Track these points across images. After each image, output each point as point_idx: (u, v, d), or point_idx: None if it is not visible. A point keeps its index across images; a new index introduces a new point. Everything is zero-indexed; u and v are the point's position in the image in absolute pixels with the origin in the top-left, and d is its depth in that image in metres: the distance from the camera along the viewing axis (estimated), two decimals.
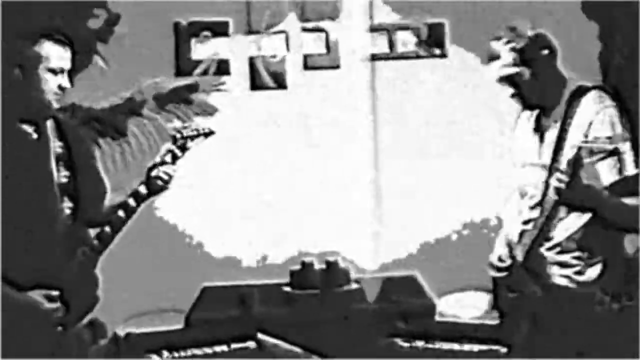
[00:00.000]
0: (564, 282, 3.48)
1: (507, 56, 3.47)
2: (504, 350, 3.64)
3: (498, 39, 3.50)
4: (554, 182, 3.37)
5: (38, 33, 3.15)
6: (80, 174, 3.27)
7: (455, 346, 3.73)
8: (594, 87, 3.51)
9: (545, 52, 3.49)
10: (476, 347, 3.68)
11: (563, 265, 3.48)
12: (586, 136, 3.44)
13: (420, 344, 3.75)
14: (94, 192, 3.29)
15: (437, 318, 3.86)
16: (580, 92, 3.51)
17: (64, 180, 3.23)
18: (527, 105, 3.51)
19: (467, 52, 4.13)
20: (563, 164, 3.37)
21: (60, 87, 3.19)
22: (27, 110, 3.18)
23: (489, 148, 4.06)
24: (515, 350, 3.60)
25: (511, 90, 3.52)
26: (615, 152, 3.38)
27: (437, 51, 4.18)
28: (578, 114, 3.46)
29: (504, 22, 3.65)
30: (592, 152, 3.37)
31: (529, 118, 3.60)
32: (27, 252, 3.10)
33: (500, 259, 3.59)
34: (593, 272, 3.49)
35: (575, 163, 3.34)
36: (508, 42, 3.49)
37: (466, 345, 3.71)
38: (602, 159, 3.39)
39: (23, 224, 3.12)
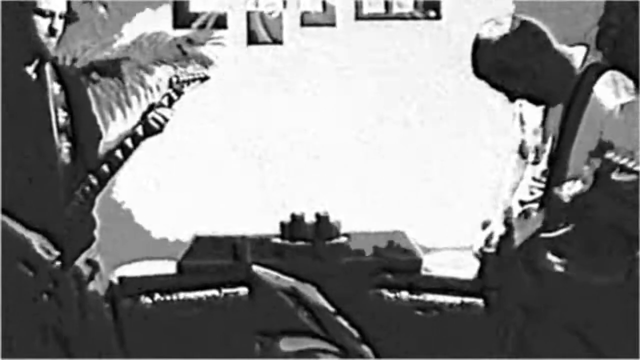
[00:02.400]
0: (558, 268, 3.54)
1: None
2: (482, 303, 3.83)
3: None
4: (572, 189, 3.29)
5: None
6: (77, 117, 3.43)
7: (439, 298, 3.94)
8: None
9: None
10: (458, 300, 3.89)
11: (556, 252, 3.52)
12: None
13: (405, 295, 3.96)
14: (91, 135, 3.46)
15: (423, 272, 4.07)
16: (592, 69, 3.47)
17: (62, 121, 3.39)
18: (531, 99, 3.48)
19: (462, 16, 4.32)
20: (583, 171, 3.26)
21: (51, 30, 3.28)
22: (25, 52, 3.32)
23: (484, 114, 4.25)
24: (492, 306, 3.77)
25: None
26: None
27: (432, 13, 4.37)
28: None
29: None
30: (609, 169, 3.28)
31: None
32: (26, 190, 3.28)
33: (487, 242, 3.57)
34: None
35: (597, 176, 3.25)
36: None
37: (449, 297, 3.92)
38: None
39: (23, 162, 3.29)
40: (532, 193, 3.53)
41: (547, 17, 3.50)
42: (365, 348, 3.82)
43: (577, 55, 3.43)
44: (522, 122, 3.59)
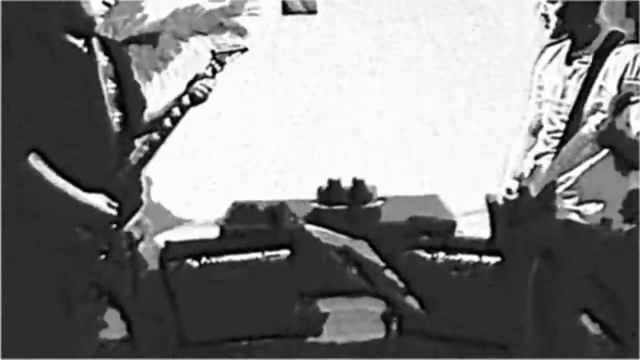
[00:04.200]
0: (573, 216, 3.86)
1: None
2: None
3: None
4: (595, 121, 3.69)
5: None
6: (125, 88, 3.68)
7: (474, 258, 4.18)
8: (628, 37, 3.84)
9: None
10: (493, 259, 4.13)
11: (570, 199, 3.86)
12: (621, 79, 3.79)
13: (441, 255, 4.20)
14: (137, 104, 3.70)
15: (457, 234, 4.30)
16: (615, 38, 3.85)
17: (112, 92, 3.64)
18: (556, 34, 3.83)
19: None
20: (605, 105, 3.69)
21: (105, 3, 3.55)
22: (75, 24, 3.56)
23: (510, 81, 4.45)
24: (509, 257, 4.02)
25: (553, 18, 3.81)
26: None
27: None
28: (611, 58, 3.79)
29: None
30: (627, 96, 3.70)
31: (559, 54, 3.91)
32: (82, 158, 3.53)
33: (508, 191, 3.92)
34: (593, 208, 3.89)
35: (618, 104, 3.67)
36: None
37: (484, 257, 4.16)
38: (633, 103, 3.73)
39: (76, 131, 3.54)
40: (547, 144, 3.85)
41: None
42: (412, 300, 4.07)
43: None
44: (540, 88, 3.92)
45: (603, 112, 3.71)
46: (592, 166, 3.84)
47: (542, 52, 3.97)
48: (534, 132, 4.00)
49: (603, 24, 3.86)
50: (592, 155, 3.82)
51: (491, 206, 3.98)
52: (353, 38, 4.61)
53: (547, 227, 3.87)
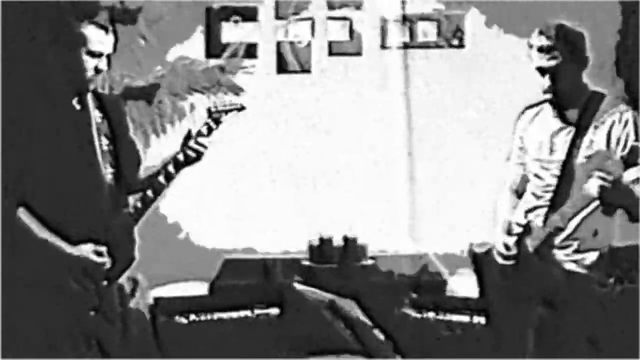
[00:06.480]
0: (572, 267, 3.97)
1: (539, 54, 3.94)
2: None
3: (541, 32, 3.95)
4: (597, 181, 3.81)
5: (84, 16, 3.63)
6: (119, 143, 3.80)
7: (465, 318, 4.28)
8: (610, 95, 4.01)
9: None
10: (483, 319, 4.23)
11: (566, 249, 3.98)
12: (609, 134, 3.94)
13: (431, 315, 4.30)
14: (131, 159, 3.82)
15: (448, 294, 4.41)
16: (597, 97, 4.01)
17: (105, 148, 3.76)
18: (553, 100, 3.97)
19: (487, 45, 4.66)
20: (611, 165, 3.81)
21: (96, 70, 3.68)
22: (69, 85, 3.70)
23: (494, 143, 4.58)
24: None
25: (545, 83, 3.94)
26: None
27: (456, 42, 4.73)
28: (596, 116, 3.95)
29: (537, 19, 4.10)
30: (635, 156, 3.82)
31: (539, 115, 4.06)
32: (75, 212, 3.64)
33: (506, 247, 4.03)
34: (591, 257, 4.01)
35: (626, 162, 3.79)
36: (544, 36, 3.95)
37: (476, 317, 4.26)
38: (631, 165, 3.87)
39: (71, 187, 3.66)
40: (538, 197, 3.97)
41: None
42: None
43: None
44: (521, 149, 4.06)
45: (608, 172, 3.83)
46: (588, 215, 3.96)
47: (522, 113, 4.13)
48: (517, 192, 4.13)
49: (588, 85, 4.02)
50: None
51: (478, 263, 4.08)
52: (346, 97, 4.75)
53: (548, 280, 3.97)
